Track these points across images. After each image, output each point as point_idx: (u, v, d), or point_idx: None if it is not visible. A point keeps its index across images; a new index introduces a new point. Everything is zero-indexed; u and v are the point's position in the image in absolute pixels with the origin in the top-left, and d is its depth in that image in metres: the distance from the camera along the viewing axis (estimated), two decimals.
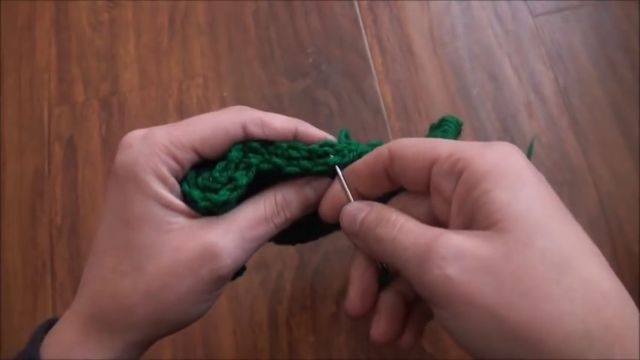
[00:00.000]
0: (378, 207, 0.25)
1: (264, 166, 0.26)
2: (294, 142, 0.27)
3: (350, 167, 0.27)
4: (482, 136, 0.55)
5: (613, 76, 0.56)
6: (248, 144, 0.26)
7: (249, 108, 0.27)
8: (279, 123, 0.26)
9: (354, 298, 0.27)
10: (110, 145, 0.58)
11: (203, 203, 0.24)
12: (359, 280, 0.27)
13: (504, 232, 0.20)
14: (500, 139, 0.55)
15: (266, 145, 0.26)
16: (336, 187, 0.27)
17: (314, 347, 0.49)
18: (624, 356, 0.18)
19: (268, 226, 0.26)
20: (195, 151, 0.25)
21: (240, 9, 0.62)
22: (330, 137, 0.29)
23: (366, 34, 0.60)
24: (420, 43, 0.59)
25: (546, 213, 0.22)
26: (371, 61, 0.59)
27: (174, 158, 0.24)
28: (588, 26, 0.58)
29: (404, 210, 0.25)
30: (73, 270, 0.53)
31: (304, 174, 0.27)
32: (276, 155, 0.26)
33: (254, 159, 0.25)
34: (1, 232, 0.56)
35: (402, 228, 0.23)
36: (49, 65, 0.62)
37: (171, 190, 0.24)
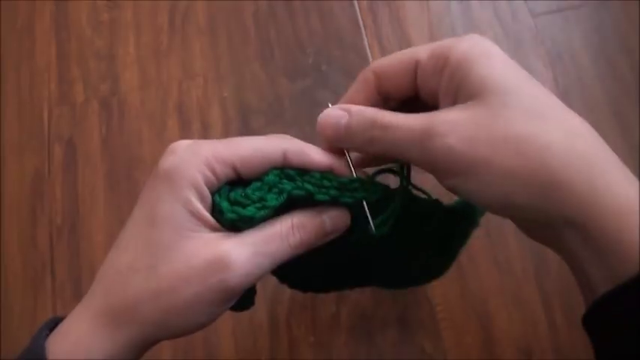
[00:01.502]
0: (356, 110, 0.27)
1: (297, 192, 0.27)
2: (327, 173, 0.28)
3: (343, 98, 0.29)
4: None
5: (613, 76, 0.56)
6: (285, 171, 0.27)
7: (292, 137, 0.28)
8: (318, 156, 0.28)
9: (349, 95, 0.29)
10: (110, 145, 0.58)
11: (229, 215, 0.25)
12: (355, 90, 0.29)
13: (484, 99, 0.24)
14: None
15: (301, 174, 0.27)
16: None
17: (314, 347, 0.49)
18: (597, 178, 0.22)
19: (282, 245, 0.26)
20: (234, 168, 0.26)
21: (240, 9, 0.62)
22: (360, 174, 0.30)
23: (366, 34, 0.60)
24: (420, 43, 0.59)
25: (518, 80, 0.25)
26: (371, 61, 0.59)
27: (212, 170, 0.25)
28: (588, 26, 0.58)
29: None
30: (73, 270, 0.53)
31: (332, 203, 0.28)
32: (310, 183, 0.27)
33: (287, 185, 0.26)
34: (1, 232, 0.56)
35: (398, 122, 0.25)
36: (49, 65, 0.62)
37: (202, 200, 0.25)
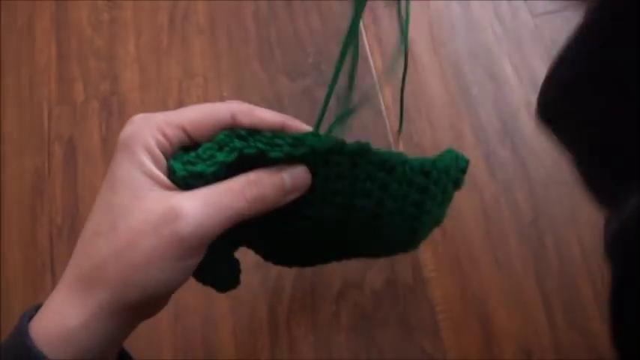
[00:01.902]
0: None
1: (248, 150, 0.26)
2: (281, 132, 0.28)
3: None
4: (482, 136, 0.55)
5: None
6: (236, 131, 0.27)
7: (243, 102, 0.28)
8: (267, 114, 0.28)
9: None
10: (110, 144, 0.58)
11: (180, 172, 0.25)
12: None
13: None
14: (500, 139, 0.55)
15: (253, 133, 0.27)
16: None
17: (314, 347, 0.49)
18: None
19: (237, 198, 0.26)
20: (185, 131, 0.27)
21: (240, 9, 0.62)
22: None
23: (366, 34, 0.60)
24: (420, 43, 0.59)
25: None
26: (371, 61, 0.59)
27: (164, 134, 0.26)
28: None
29: None
30: None
31: (287, 161, 0.27)
32: (261, 142, 0.27)
33: (238, 144, 0.26)
34: (1, 232, 0.56)
35: None
36: (49, 65, 0.62)
37: (155, 162, 0.26)
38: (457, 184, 0.33)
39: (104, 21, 0.63)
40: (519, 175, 0.53)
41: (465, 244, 0.51)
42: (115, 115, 0.59)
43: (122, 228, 0.25)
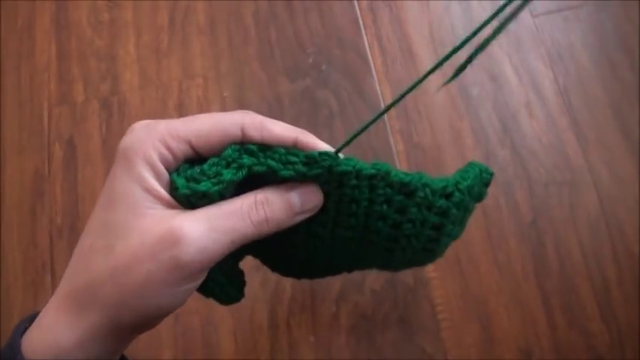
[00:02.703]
0: None
1: (258, 168, 0.25)
2: (294, 149, 0.26)
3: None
4: (482, 136, 0.55)
5: (613, 76, 0.56)
6: (246, 146, 0.25)
7: (253, 112, 0.26)
8: (278, 128, 0.26)
9: None
10: (110, 145, 0.58)
11: (183, 190, 0.24)
12: None
13: None
14: (500, 139, 0.55)
15: (264, 149, 0.25)
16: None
17: (314, 347, 0.49)
18: None
19: (243, 221, 0.24)
20: (190, 145, 0.25)
21: (240, 9, 0.62)
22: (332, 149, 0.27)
23: (366, 34, 0.60)
24: (420, 43, 0.59)
25: None
26: (371, 61, 0.59)
27: (168, 147, 0.24)
28: (588, 26, 0.58)
29: None
30: None
31: (299, 180, 0.26)
32: (273, 159, 0.25)
33: (247, 160, 0.25)
34: (1, 232, 0.56)
35: None
36: (49, 65, 0.62)
37: (157, 177, 0.24)
38: (480, 199, 0.31)
39: (104, 21, 0.63)
40: (519, 175, 0.53)
41: (465, 245, 0.51)
42: (115, 115, 0.59)
43: (119, 248, 0.23)
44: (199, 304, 0.50)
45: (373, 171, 0.26)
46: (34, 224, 0.56)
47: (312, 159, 0.25)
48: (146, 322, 0.24)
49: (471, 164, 0.30)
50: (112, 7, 0.64)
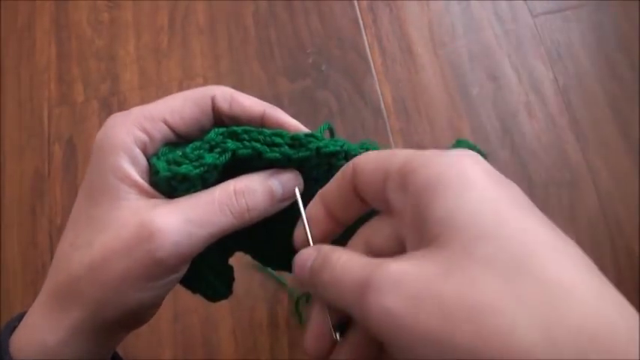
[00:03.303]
0: (324, 250, 0.22)
1: (243, 151, 0.24)
2: (279, 129, 0.25)
3: (322, 190, 0.24)
4: (482, 136, 0.55)
5: (613, 76, 0.56)
6: (230, 129, 0.25)
7: (225, 87, 0.26)
8: (248, 101, 0.26)
9: (309, 341, 0.25)
10: None
11: (164, 173, 0.23)
12: (314, 323, 0.25)
13: (445, 245, 0.18)
14: (500, 139, 0.55)
15: (248, 131, 0.25)
16: (300, 229, 0.25)
17: None
18: (603, 357, 0.15)
19: (221, 212, 0.23)
20: (166, 122, 0.24)
21: (240, 9, 0.62)
22: (304, 128, 0.27)
23: (366, 34, 0.60)
24: (420, 43, 0.59)
25: (496, 216, 0.18)
26: (371, 61, 0.59)
27: (143, 129, 0.24)
28: (588, 26, 0.58)
29: (372, 236, 0.23)
30: None
31: (284, 163, 0.25)
32: (258, 141, 0.24)
33: (231, 144, 0.24)
34: (1, 233, 0.56)
35: (342, 267, 0.20)
36: (49, 65, 0.62)
37: (133, 162, 0.23)
38: None
39: (104, 21, 0.63)
40: (519, 175, 0.53)
41: None
42: None
43: (97, 243, 0.22)
44: (199, 303, 0.50)
45: (362, 150, 0.26)
46: (34, 224, 0.56)
47: (298, 140, 0.25)
48: (130, 317, 0.24)
49: (459, 141, 0.30)
50: (112, 7, 0.64)
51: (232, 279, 0.30)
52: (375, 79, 0.58)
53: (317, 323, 0.24)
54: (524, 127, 0.55)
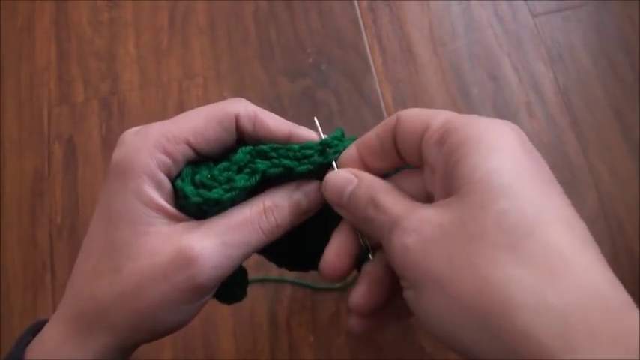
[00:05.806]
0: (366, 180, 0.23)
1: (274, 170, 0.24)
2: (307, 142, 0.25)
3: (360, 139, 0.25)
4: None
5: (613, 76, 0.56)
6: (257, 148, 0.24)
7: (246, 101, 0.26)
8: (272, 122, 0.25)
9: (329, 255, 0.25)
10: (110, 145, 0.58)
11: (194, 199, 0.22)
12: (338, 242, 0.26)
13: (464, 197, 0.19)
14: None
15: (276, 148, 0.24)
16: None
17: (314, 347, 0.49)
18: (587, 337, 0.15)
19: (254, 232, 0.24)
20: (189, 144, 0.24)
21: (240, 9, 0.62)
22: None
23: (366, 34, 0.60)
24: (420, 43, 0.59)
25: (517, 177, 0.19)
26: (371, 61, 0.59)
27: (165, 152, 0.23)
28: (588, 26, 0.58)
29: (402, 186, 0.24)
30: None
31: (313, 174, 0.25)
32: (287, 158, 0.24)
33: (261, 165, 0.24)
34: (1, 232, 0.56)
35: (384, 205, 0.22)
36: (49, 65, 0.62)
37: (158, 187, 0.23)
38: None
39: (104, 21, 0.63)
40: None
41: None
42: (115, 115, 0.59)
43: (127, 270, 0.22)
44: None
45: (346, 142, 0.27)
46: (34, 224, 0.56)
47: (327, 145, 0.25)
48: (157, 337, 0.24)
49: None
50: (112, 7, 0.64)
51: (247, 282, 0.31)
52: (375, 78, 0.58)
53: (340, 241, 0.25)
54: (524, 127, 0.54)
